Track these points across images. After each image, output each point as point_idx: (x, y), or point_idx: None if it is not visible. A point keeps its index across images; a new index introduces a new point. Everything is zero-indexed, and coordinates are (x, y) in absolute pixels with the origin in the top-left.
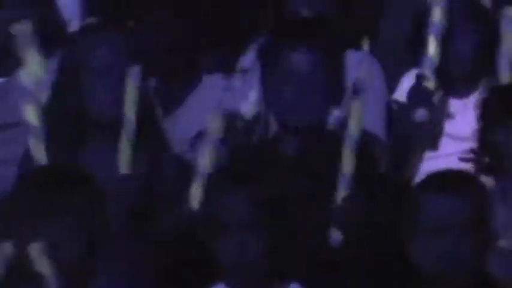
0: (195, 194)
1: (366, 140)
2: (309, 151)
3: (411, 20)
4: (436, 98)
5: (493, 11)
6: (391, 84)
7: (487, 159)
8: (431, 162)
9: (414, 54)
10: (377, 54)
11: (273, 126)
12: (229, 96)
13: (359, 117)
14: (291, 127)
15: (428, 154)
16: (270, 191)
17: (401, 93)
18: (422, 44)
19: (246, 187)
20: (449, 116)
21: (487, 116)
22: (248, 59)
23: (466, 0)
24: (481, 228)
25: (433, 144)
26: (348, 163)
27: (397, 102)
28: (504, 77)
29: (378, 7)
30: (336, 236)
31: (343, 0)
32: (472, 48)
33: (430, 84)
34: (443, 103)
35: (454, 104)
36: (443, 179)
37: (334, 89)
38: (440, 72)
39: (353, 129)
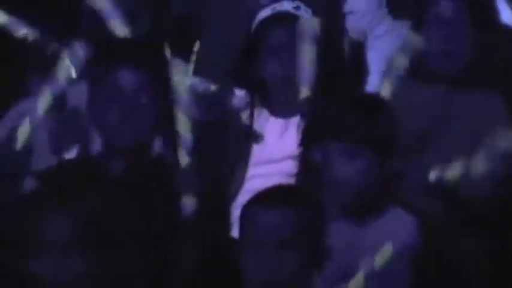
0: None
1: None
2: (133, 172)
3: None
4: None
5: None
6: None
7: (305, 181)
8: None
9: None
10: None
11: (97, 145)
12: None
13: None
14: (115, 147)
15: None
16: (93, 211)
17: None
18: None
19: (67, 206)
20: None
21: (307, 136)
22: None
23: None
24: (310, 245)
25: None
26: None
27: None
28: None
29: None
30: None
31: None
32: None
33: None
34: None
35: (275, 125)
36: (270, 195)
37: (160, 110)
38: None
39: None
